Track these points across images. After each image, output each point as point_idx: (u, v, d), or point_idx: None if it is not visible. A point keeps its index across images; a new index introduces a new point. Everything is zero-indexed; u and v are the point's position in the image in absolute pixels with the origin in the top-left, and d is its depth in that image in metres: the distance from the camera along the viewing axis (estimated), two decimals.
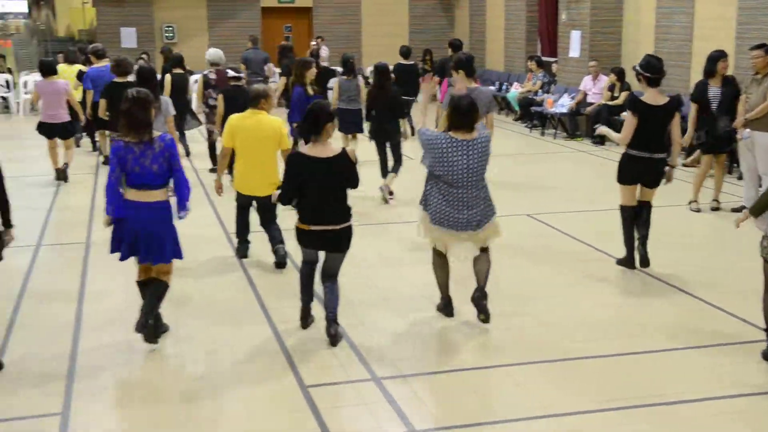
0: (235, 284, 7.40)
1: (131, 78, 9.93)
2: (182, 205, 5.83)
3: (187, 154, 13.12)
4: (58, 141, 11.53)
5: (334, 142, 6.02)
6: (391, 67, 11.35)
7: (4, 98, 19.43)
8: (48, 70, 11.36)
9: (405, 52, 14.93)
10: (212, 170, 12.00)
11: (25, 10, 23.14)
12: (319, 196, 5.81)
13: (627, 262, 7.51)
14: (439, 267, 6.35)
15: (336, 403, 5.23)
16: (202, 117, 12.55)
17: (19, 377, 5.52)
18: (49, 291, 7.29)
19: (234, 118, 7.56)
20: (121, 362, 5.78)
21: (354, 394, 5.30)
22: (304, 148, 5.87)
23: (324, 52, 19.27)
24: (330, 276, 6.05)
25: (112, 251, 5.82)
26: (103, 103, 10.27)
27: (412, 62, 15.14)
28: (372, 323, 6.42)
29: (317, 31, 21.43)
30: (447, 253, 6.28)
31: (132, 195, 5.68)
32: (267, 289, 7.21)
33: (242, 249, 8.04)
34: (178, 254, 5.91)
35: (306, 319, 6.24)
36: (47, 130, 11.31)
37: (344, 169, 5.87)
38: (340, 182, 5.88)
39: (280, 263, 7.65)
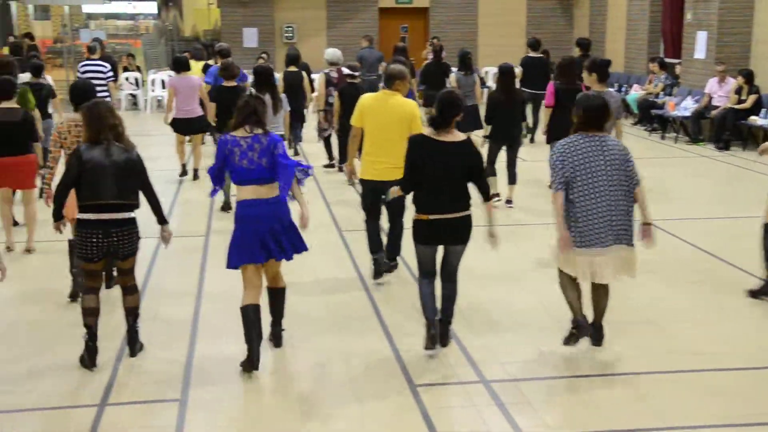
0: (350, 287, 7.30)
1: (239, 82, 10.11)
2: (282, 184, 5.56)
3: (296, 153, 13.18)
4: (187, 138, 11.73)
5: None
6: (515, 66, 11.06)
7: (133, 95, 20.23)
8: (182, 66, 11.55)
9: (533, 44, 14.44)
10: (327, 166, 12.19)
11: (155, 11, 24.02)
12: (442, 182, 5.53)
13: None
14: (569, 287, 5.75)
15: (444, 403, 5.19)
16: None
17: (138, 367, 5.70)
18: (168, 287, 7.36)
19: (366, 98, 7.22)
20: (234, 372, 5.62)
21: (462, 396, 5.25)
22: (430, 132, 5.62)
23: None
24: (449, 274, 5.79)
25: (232, 266, 5.61)
26: (212, 106, 10.16)
27: (540, 54, 14.68)
28: (482, 325, 6.32)
29: (433, 31, 21.40)
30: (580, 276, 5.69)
31: (246, 193, 5.56)
32: (380, 295, 7.04)
33: (378, 265, 7.32)
34: (304, 246, 5.75)
35: (434, 340, 5.75)
36: (181, 125, 11.43)
37: (470, 155, 5.61)
38: (464, 169, 5.57)
39: (377, 273, 7.28)
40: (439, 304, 5.82)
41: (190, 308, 6.82)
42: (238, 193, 5.60)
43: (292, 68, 12.48)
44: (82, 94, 6.73)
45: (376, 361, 5.76)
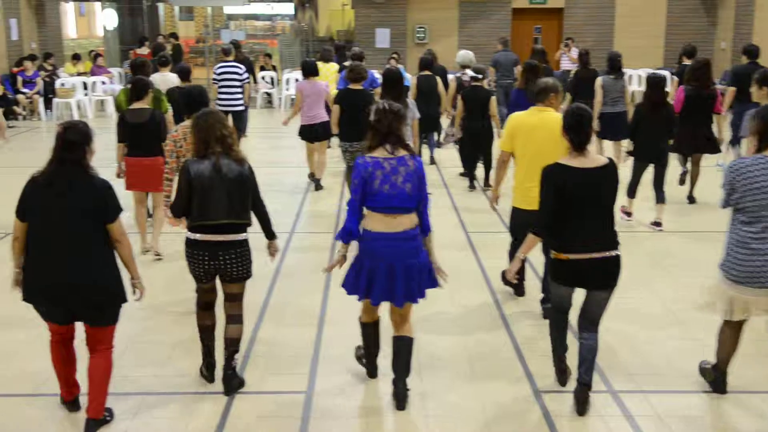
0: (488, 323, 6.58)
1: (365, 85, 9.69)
2: (426, 229, 5.08)
3: (432, 162, 12.91)
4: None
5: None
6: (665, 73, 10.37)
7: (268, 94, 20.73)
8: (310, 71, 11.17)
9: (690, 51, 12.87)
10: (462, 174, 11.77)
11: (292, 12, 24.50)
12: (586, 216, 4.86)
13: None
14: (728, 336, 5.15)
15: (570, 412, 5.06)
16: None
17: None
18: (289, 306, 6.94)
19: (516, 117, 6.44)
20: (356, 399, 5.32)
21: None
22: (564, 159, 4.95)
23: (575, 53, 18.76)
24: (591, 321, 5.07)
25: (351, 292, 5.07)
26: (336, 109, 9.42)
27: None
28: (610, 333, 6.04)
29: (567, 32, 20.93)
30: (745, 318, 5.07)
31: (378, 223, 4.92)
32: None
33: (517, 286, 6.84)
34: (435, 282, 5.11)
35: (564, 373, 5.34)
36: (305, 131, 11.10)
37: (613, 184, 4.96)
38: (608, 199, 4.95)
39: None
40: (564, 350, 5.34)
41: (312, 330, 6.40)
42: (367, 220, 4.95)
43: (426, 72, 12.33)
44: (196, 100, 6.52)
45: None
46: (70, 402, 5.06)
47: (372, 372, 5.49)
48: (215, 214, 5.04)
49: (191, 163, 5.09)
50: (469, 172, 11.32)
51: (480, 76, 10.82)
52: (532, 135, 6.17)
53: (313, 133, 11.04)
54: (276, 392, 5.40)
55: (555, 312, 5.31)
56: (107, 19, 25.26)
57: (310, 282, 7.37)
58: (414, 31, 21.67)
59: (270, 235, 5.47)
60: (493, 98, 10.81)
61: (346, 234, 4.94)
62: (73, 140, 4.64)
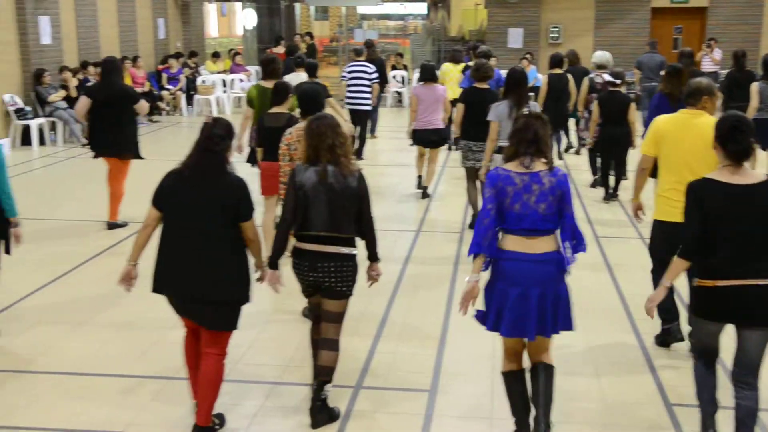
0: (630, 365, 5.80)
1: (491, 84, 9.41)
2: (575, 251, 4.50)
3: (559, 158, 12.62)
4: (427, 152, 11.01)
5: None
6: None
7: (398, 93, 20.82)
8: (429, 76, 10.89)
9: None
10: (593, 185, 11.34)
11: (425, 11, 24.55)
12: (740, 237, 4.20)
13: None
14: None
15: None
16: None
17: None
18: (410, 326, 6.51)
19: (662, 120, 5.78)
20: None
21: None
22: (714, 173, 4.35)
23: (717, 54, 17.98)
24: (750, 371, 4.30)
25: (485, 323, 4.52)
26: (460, 108, 9.12)
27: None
28: None
29: (710, 32, 20.06)
30: None
31: (512, 243, 4.43)
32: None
33: (666, 335, 5.99)
34: (569, 325, 4.53)
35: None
36: (419, 136, 10.80)
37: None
38: (766, 219, 4.22)
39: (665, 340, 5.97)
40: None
41: (432, 351, 6.02)
42: (502, 240, 4.47)
43: (557, 71, 12.02)
44: (310, 101, 6.28)
45: None
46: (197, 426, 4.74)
47: None
48: (316, 224, 4.77)
49: (299, 170, 4.85)
50: (602, 182, 10.84)
51: (618, 81, 10.34)
52: (680, 140, 5.59)
53: (426, 139, 10.79)
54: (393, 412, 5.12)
55: (699, 356, 4.52)
56: (246, 18, 26.01)
57: (431, 297, 7.11)
58: (548, 31, 21.28)
59: (372, 256, 4.97)
60: (632, 105, 10.35)
61: (474, 246, 4.44)
62: (219, 134, 4.61)
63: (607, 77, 10.65)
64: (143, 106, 9.60)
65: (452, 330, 6.34)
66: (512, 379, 4.59)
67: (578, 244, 4.50)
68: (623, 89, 10.50)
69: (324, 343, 4.88)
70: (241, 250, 4.68)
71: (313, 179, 4.74)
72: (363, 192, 4.83)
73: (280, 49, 20.24)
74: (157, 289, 4.68)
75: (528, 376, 4.61)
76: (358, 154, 13.19)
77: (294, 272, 4.89)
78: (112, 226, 9.29)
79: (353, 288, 4.90)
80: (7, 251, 6.06)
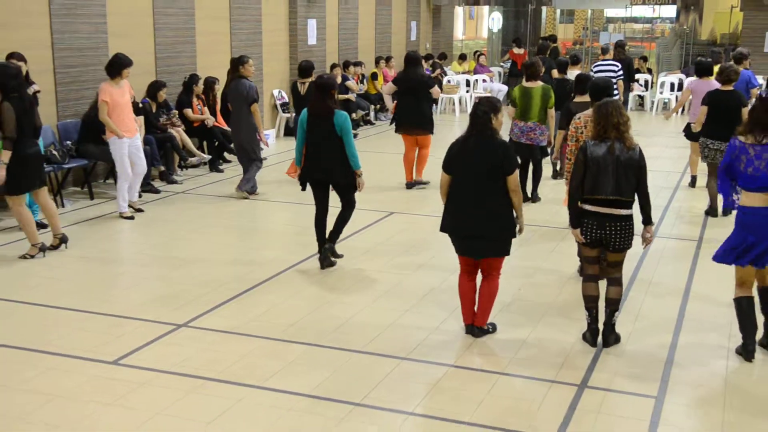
0: None
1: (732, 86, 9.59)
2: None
3: None
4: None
5: None
6: None
7: (640, 96, 20.32)
8: (704, 70, 11.11)
9: None
10: None
11: (674, 14, 23.71)
12: None
13: None
14: None
15: None
16: None
17: (619, 356, 5.90)
18: (658, 282, 7.51)
19: None
20: (717, 368, 5.72)
21: None
22: None
23: None
24: None
25: (718, 260, 5.70)
26: (703, 110, 9.71)
27: None
28: None
29: None
30: None
31: (749, 200, 5.46)
32: None
33: None
34: None
35: None
36: (689, 130, 11.03)
37: None
38: None
39: None
40: None
41: (675, 305, 6.89)
42: (742, 198, 5.51)
43: None
44: (600, 90, 7.17)
45: None
46: (468, 325, 6.15)
47: (748, 355, 5.65)
48: (604, 190, 5.58)
49: (590, 145, 5.68)
50: None
51: None
52: None
53: (692, 133, 10.93)
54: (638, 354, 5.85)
55: None
56: (493, 21, 26.41)
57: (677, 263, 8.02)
58: None
59: (647, 219, 5.78)
60: None
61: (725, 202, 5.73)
62: (483, 109, 5.74)
63: None
64: (436, 91, 11.15)
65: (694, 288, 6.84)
66: (744, 304, 5.58)
67: None
68: None
69: (611, 281, 5.88)
70: (506, 198, 5.75)
71: (604, 152, 5.59)
72: (642, 163, 5.65)
73: (520, 51, 20.52)
74: (446, 230, 5.96)
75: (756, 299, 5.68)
76: None
77: (582, 229, 5.77)
78: (411, 185, 11.34)
79: (631, 242, 5.75)
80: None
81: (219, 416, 4.92)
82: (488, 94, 20.00)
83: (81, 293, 7.08)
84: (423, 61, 12.69)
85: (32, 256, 7.91)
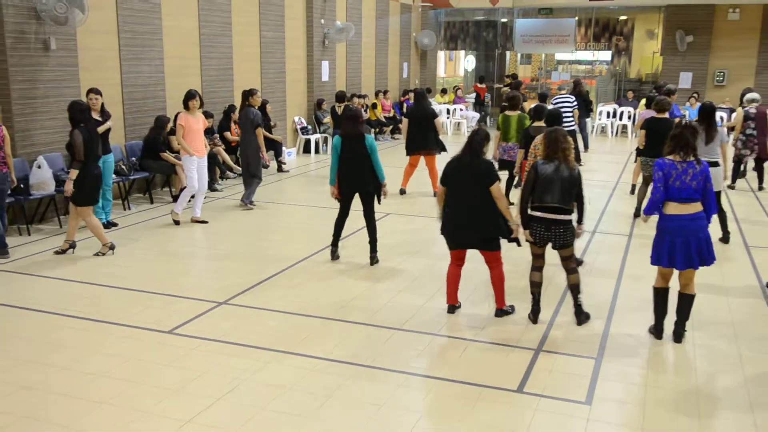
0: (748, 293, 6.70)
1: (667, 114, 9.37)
2: (708, 216, 5.29)
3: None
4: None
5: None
6: None
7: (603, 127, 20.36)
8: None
9: None
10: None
11: (609, 58, 23.77)
12: None
13: None
14: None
15: None
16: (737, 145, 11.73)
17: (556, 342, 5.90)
18: (598, 268, 7.51)
19: None
20: (642, 337, 5.75)
21: None
22: None
23: None
24: None
25: (653, 263, 5.45)
26: (642, 133, 9.42)
27: None
28: None
29: None
30: None
31: (670, 209, 5.29)
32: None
33: None
34: (712, 258, 5.35)
35: None
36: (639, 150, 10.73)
37: None
38: None
39: None
40: None
41: (611, 286, 6.95)
42: (668, 207, 5.31)
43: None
44: (555, 117, 7.22)
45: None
46: (450, 305, 6.15)
47: (658, 334, 5.65)
48: (551, 199, 5.62)
49: (540, 164, 5.72)
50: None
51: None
52: None
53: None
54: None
55: None
56: (468, 62, 26.44)
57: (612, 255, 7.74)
58: (714, 75, 19.93)
59: (580, 219, 5.86)
60: None
61: (647, 209, 5.44)
62: (477, 139, 5.81)
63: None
64: (439, 121, 11.16)
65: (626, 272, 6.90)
66: (661, 293, 5.56)
67: (708, 212, 5.29)
68: None
69: (569, 271, 5.88)
70: (492, 204, 5.75)
71: (552, 169, 5.64)
72: (579, 180, 5.71)
73: (483, 85, 20.74)
74: (443, 233, 5.93)
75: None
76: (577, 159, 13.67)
77: (531, 231, 5.76)
78: (403, 191, 11.29)
79: (573, 240, 5.78)
80: (379, 201, 7.58)
81: (254, 374, 4.95)
82: (465, 120, 20.10)
83: (143, 278, 7.10)
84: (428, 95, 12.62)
85: (104, 254, 7.90)
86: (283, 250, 8.17)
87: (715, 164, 7.87)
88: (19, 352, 5.32)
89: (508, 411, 4.47)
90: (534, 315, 5.95)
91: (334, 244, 7.71)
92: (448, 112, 20.24)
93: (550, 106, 10.05)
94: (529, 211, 5.77)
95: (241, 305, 6.37)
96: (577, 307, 5.90)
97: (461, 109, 20.69)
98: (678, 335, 5.57)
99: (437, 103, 20.92)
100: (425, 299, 6.49)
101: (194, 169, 9.35)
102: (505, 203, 5.84)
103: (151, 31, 11.13)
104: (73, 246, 7.92)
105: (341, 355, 5.29)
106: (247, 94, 10.28)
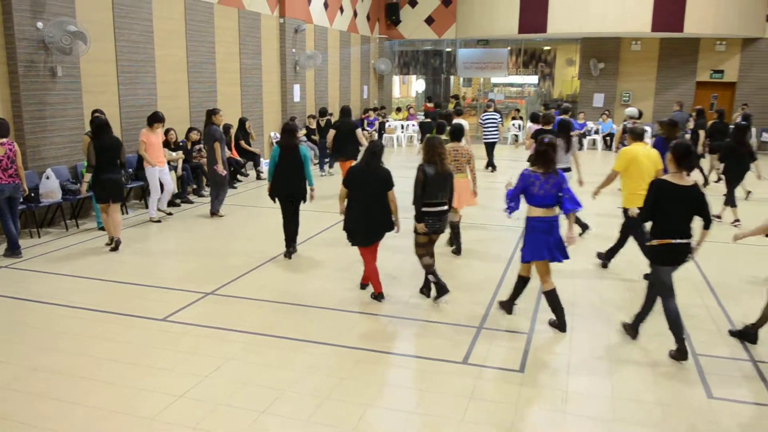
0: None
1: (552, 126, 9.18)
2: (565, 210, 5.17)
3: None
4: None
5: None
6: None
7: (516, 135, 20.69)
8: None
9: None
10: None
11: (536, 81, 24.19)
12: (676, 218, 4.68)
13: None
14: None
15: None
16: None
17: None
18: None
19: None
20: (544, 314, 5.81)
21: None
22: (667, 176, 4.76)
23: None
24: None
25: (524, 260, 5.34)
26: (530, 142, 9.02)
27: None
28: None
29: (739, 100, 18.61)
30: None
31: (537, 213, 5.19)
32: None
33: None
34: (566, 255, 5.25)
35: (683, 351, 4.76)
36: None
37: (698, 198, 4.68)
38: (694, 209, 4.68)
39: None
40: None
41: (501, 269, 6.90)
42: (533, 212, 5.20)
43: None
44: (457, 132, 7.21)
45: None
46: (362, 285, 6.30)
47: (509, 311, 5.70)
48: (437, 196, 5.69)
49: (425, 165, 5.69)
50: None
51: (645, 129, 10.30)
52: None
53: None
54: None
55: (670, 297, 4.85)
56: (418, 85, 26.58)
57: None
58: (621, 95, 20.45)
59: (450, 207, 5.87)
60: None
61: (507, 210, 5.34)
62: (374, 150, 5.78)
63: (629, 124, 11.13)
64: (359, 133, 11.13)
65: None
66: (521, 281, 5.51)
67: (564, 208, 5.20)
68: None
69: (431, 254, 5.90)
70: (389, 206, 5.78)
71: (434, 171, 5.65)
72: (451, 179, 5.76)
73: (431, 104, 20.86)
74: (348, 232, 5.84)
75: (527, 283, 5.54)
76: (492, 167, 14.12)
77: (426, 222, 5.73)
78: None
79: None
80: (304, 201, 7.36)
81: (238, 353, 4.93)
82: (416, 134, 20.20)
83: (139, 273, 6.99)
84: (352, 111, 12.20)
85: (108, 244, 8.00)
86: (255, 247, 7.99)
87: (568, 170, 7.94)
88: (30, 338, 5.20)
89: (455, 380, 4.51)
90: (438, 292, 5.89)
91: (288, 245, 7.54)
92: (402, 127, 20.32)
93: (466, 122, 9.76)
94: (424, 208, 5.72)
95: (225, 295, 6.31)
96: (433, 283, 5.88)
97: (413, 125, 20.81)
98: (562, 325, 5.38)
99: (393, 119, 21.01)
100: (364, 290, 6.37)
101: (156, 177, 9.28)
102: (396, 205, 5.86)
103: (145, 59, 10.94)
104: (113, 241, 7.89)
105: (310, 335, 5.28)
106: (210, 113, 9.48)
